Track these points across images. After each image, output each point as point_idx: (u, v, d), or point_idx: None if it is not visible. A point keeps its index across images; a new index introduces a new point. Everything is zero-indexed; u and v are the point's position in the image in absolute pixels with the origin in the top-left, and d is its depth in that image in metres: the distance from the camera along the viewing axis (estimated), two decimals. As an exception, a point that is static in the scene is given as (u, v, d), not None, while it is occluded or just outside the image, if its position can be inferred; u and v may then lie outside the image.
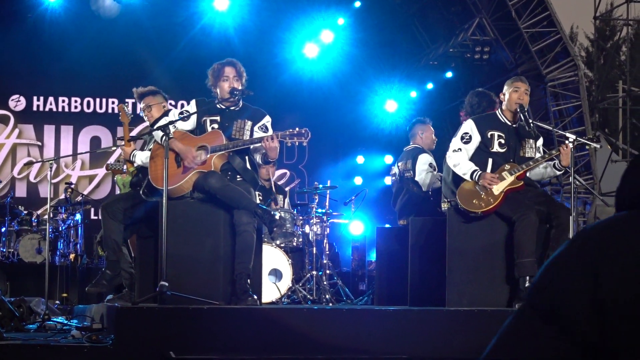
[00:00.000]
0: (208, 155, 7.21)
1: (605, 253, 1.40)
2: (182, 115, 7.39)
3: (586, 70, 25.81)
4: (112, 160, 15.79)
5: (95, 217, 15.92)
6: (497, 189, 7.45)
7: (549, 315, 1.41)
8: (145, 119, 8.40)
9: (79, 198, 13.95)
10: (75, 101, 17.18)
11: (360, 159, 18.18)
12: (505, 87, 7.81)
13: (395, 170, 9.85)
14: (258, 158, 7.46)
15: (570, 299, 1.39)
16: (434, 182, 9.31)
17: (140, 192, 7.57)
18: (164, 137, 7.03)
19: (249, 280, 7.04)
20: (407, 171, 9.53)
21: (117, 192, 15.30)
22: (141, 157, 7.93)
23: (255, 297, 6.97)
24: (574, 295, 1.39)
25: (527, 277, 7.27)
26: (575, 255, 1.43)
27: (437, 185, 9.18)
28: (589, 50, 38.19)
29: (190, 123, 7.49)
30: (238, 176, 7.32)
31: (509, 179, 7.49)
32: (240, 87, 7.43)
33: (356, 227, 15.94)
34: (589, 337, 1.38)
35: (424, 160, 9.47)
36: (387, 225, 13.49)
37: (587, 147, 8.16)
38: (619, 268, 1.37)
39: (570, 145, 7.48)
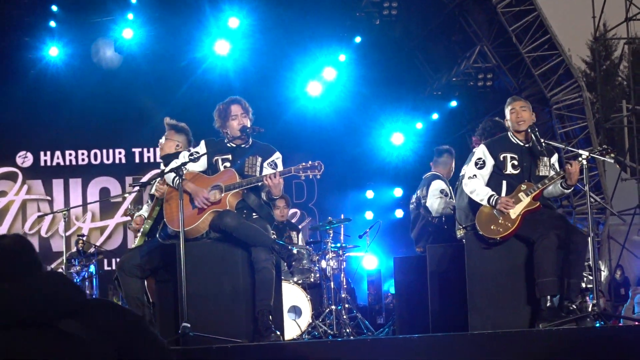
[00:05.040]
0: (223, 194, 7.18)
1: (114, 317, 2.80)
2: (192, 157, 7.34)
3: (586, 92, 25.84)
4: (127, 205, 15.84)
5: (109, 268, 15.92)
6: (514, 212, 7.36)
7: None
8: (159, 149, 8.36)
9: (92, 249, 13.95)
10: (82, 154, 17.24)
11: (369, 194, 18.15)
12: (506, 112, 7.84)
13: (413, 198, 9.86)
14: (263, 195, 7.40)
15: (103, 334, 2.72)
16: (444, 208, 9.28)
17: (157, 235, 7.56)
18: (177, 179, 7.03)
19: (270, 317, 6.99)
20: (424, 198, 9.53)
21: (130, 242, 15.35)
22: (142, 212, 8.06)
23: (278, 332, 6.92)
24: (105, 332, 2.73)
25: (549, 297, 7.18)
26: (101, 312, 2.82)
27: (448, 212, 9.15)
28: (586, 72, 38.27)
29: (201, 164, 7.45)
30: (254, 214, 7.29)
31: (526, 200, 7.40)
32: (249, 124, 7.42)
33: (369, 261, 15.89)
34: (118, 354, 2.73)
35: (436, 186, 9.49)
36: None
37: (596, 161, 8.06)
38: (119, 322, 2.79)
39: (581, 162, 7.35)
